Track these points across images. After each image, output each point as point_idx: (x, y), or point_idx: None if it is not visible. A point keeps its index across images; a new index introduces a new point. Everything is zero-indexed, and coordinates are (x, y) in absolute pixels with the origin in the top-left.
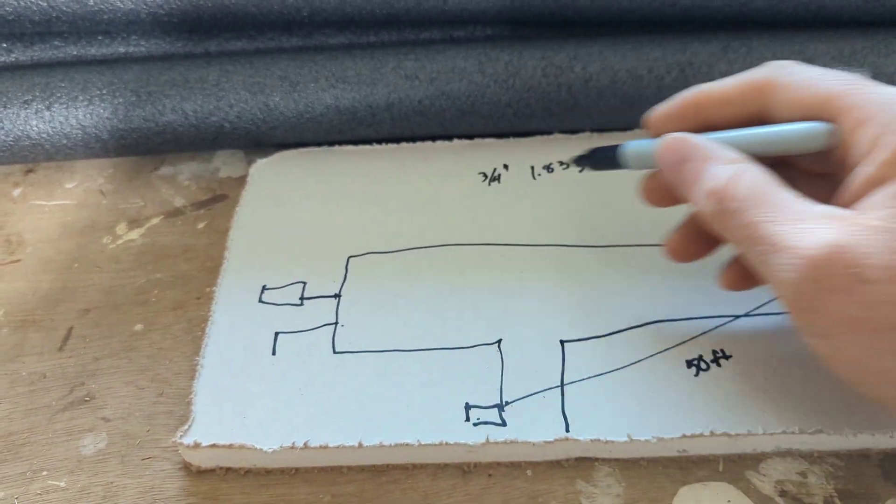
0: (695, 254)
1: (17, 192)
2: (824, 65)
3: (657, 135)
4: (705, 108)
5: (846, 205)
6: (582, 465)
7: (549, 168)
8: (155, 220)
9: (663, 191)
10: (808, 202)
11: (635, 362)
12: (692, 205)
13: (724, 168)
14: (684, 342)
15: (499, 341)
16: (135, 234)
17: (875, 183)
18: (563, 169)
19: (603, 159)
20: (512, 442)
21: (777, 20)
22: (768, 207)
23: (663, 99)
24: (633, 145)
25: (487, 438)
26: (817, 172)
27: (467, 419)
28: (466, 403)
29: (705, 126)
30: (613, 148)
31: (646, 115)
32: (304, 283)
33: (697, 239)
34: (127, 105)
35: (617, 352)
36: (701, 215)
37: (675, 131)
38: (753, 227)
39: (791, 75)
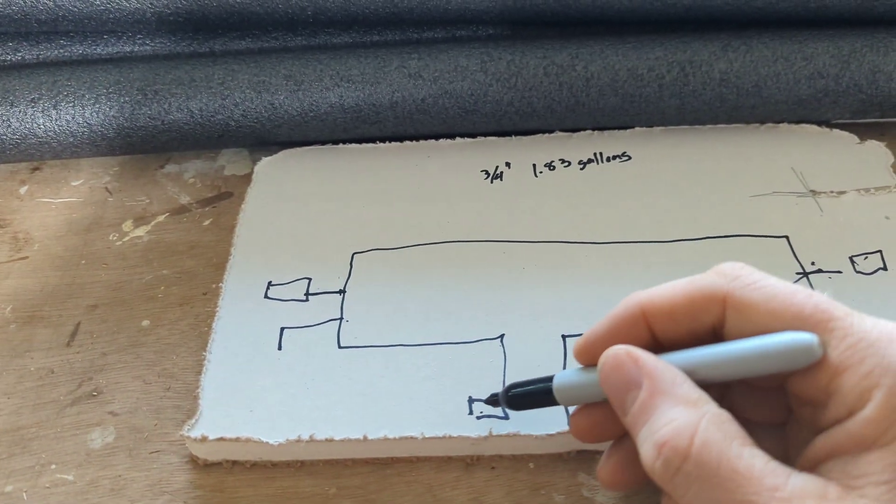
0: (638, 479)
1: (23, 189)
2: (823, 64)
3: (588, 364)
4: (648, 322)
5: (816, 456)
6: (583, 457)
7: (550, 166)
8: (161, 218)
9: (602, 425)
10: (781, 469)
11: None
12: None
13: (681, 414)
14: None
15: (501, 336)
16: (141, 231)
17: (862, 445)
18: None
19: (525, 399)
20: (514, 435)
21: (777, 19)
22: (736, 480)
23: (664, 97)
24: (567, 377)
25: (490, 431)
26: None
27: (470, 412)
28: (469, 397)
29: (647, 346)
30: (541, 384)
31: (575, 346)
32: (310, 279)
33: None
34: (133, 103)
35: None
36: (644, 465)
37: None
38: None
39: (754, 286)
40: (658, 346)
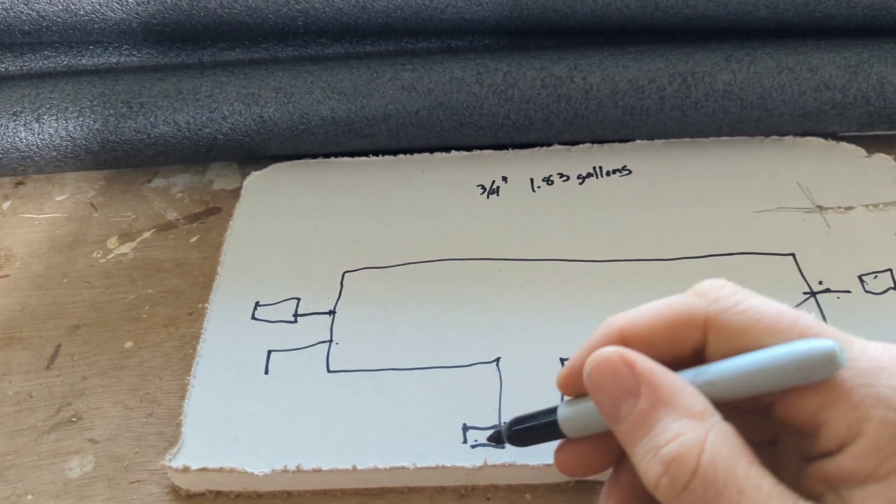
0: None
1: (6, 204)
2: (830, 75)
3: (573, 395)
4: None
5: (813, 486)
6: (582, 487)
7: (548, 180)
8: (147, 234)
9: (590, 457)
10: (788, 494)
11: None
12: (635, 464)
13: (687, 427)
14: None
15: (497, 360)
16: (126, 248)
17: (857, 479)
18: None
19: (530, 434)
20: (511, 465)
21: (781, 29)
22: (741, 502)
23: (665, 110)
24: (574, 406)
25: (486, 461)
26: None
27: (465, 441)
28: (464, 425)
29: None
30: (545, 416)
31: (558, 378)
32: (298, 300)
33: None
34: (118, 117)
35: None
36: (646, 481)
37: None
38: None
39: (735, 310)
40: None
